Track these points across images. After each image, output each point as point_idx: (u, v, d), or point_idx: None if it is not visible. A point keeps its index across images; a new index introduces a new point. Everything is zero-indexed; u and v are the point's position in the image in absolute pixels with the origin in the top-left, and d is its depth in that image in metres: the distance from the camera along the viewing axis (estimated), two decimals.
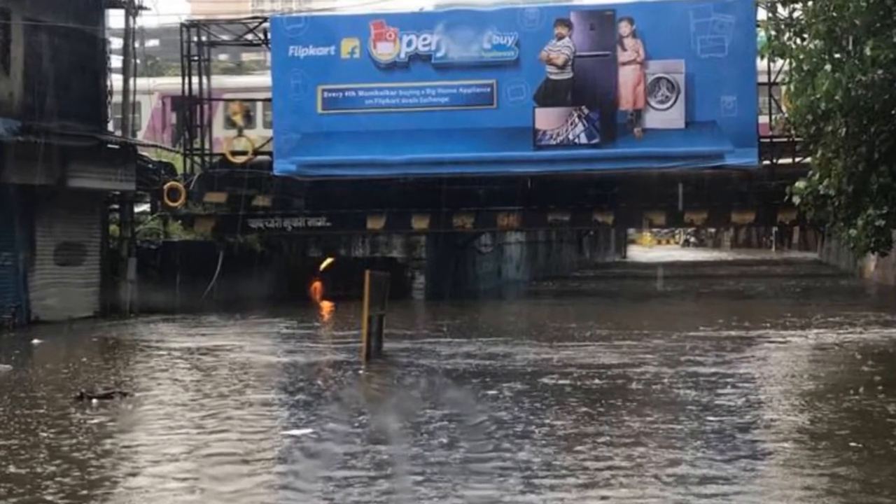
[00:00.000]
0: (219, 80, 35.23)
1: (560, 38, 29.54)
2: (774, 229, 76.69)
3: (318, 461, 10.37)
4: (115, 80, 28.57)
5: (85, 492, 9.46)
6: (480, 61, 29.89)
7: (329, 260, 34.32)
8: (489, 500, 9.01)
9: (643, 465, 10.14)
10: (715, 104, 28.82)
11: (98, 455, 10.81)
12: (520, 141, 29.56)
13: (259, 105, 34.54)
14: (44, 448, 11.12)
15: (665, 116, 29.18)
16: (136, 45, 30.15)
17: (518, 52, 29.69)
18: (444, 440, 11.25)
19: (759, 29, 26.35)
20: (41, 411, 13.36)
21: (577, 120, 29.51)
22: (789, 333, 22.12)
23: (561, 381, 15.45)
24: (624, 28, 29.34)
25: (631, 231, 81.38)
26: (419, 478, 9.68)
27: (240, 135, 32.71)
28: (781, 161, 28.98)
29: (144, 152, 31.12)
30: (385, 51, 30.15)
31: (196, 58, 32.28)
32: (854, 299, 32.88)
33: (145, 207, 31.17)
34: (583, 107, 29.55)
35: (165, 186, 30.05)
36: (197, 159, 32.16)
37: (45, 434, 11.85)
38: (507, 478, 9.63)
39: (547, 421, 12.44)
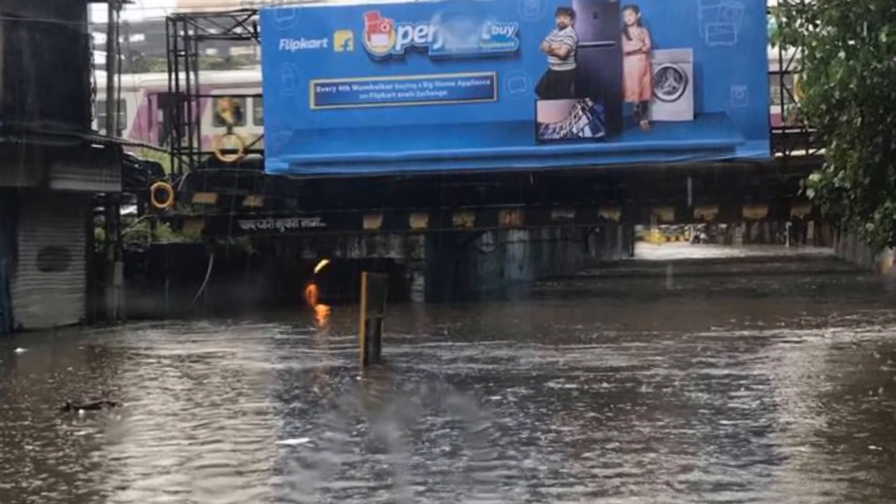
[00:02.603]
0: (207, 76, 35.19)
1: (562, 27, 29.54)
2: (788, 224, 76.63)
3: (315, 472, 10.37)
4: (99, 77, 28.55)
5: None
6: (479, 53, 29.88)
7: (324, 262, 34.31)
8: None
9: (654, 472, 10.14)
10: (724, 94, 28.80)
11: (86, 468, 10.81)
12: (521, 135, 29.55)
13: (249, 101, 34.53)
14: (29, 461, 11.12)
15: (673, 108, 29.17)
16: (121, 40, 30.16)
17: (518, 43, 29.68)
18: (447, 448, 11.25)
19: (769, 15, 26.36)
20: (26, 423, 13.36)
21: (580, 113, 29.50)
22: (805, 333, 22.12)
23: (567, 386, 15.46)
24: (629, 16, 29.33)
25: (638, 228, 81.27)
26: (421, 488, 9.68)
27: (229, 132, 32.66)
28: (794, 153, 28.96)
29: (130, 152, 31.12)
30: (380, 43, 30.16)
31: (183, 53, 32.25)
32: (872, 296, 32.86)
33: (132, 209, 31.14)
34: (587, 99, 29.55)
35: (152, 187, 30.04)
36: (185, 158, 32.15)
37: (30, 447, 11.85)
38: (513, 487, 9.64)
39: (553, 427, 12.44)
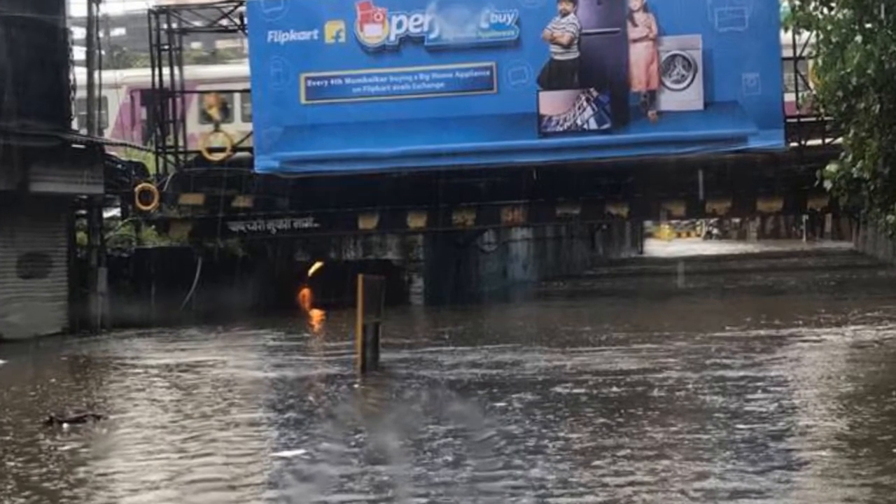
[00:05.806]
0: (192, 71, 35.21)
1: (564, 14, 29.55)
2: (804, 217, 76.76)
3: (311, 485, 10.38)
4: (79, 74, 28.55)
5: None
6: (478, 42, 29.89)
7: (318, 264, 34.32)
8: None
9: (668, 480, 10.15)
10: (736, 82, 28.80)
11: (71, 485, 10.81)
12: (523, 128, 29.56)
13: (237, 97, 34.55)
14: (11, 478, 11.12)
15: (682, 97, 29.18)
16: (101, 34, 30.14)
17: (519, 32, 29.70)
18: (450, 458, 11.26)
19: None
20: (7, 438, 13.36)
21: (585, 104, 29.51)
22: (824, 331, 22.14)
23: (575, 390, 15.47)
24: (634, 1, 29.32)
25: (648, 224, 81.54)
26: (423, 500, 9.69)
27: (216, 130, 32.68)
28: (810, 143, 28.97)
29: (113, 152, 31.12)
30: (373, 34, 30.17)
31: (166, 47, 32.28)
32: (894, 292, 32.88)
33: (115, 212, 31.15)
34: (591, 89, 29.55)
35: (137, 188, 30.05)
36: (170, 158, 32.18)
37: (12, 463, 11.86)
38: (520, 497, 9.65)
39: (561, 434, 12.45)
